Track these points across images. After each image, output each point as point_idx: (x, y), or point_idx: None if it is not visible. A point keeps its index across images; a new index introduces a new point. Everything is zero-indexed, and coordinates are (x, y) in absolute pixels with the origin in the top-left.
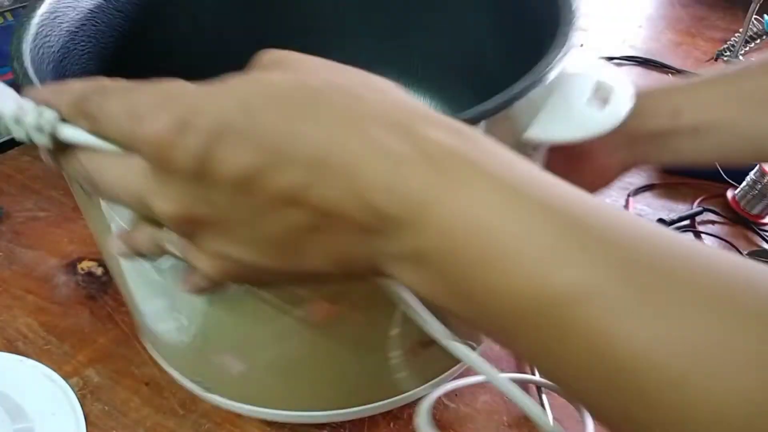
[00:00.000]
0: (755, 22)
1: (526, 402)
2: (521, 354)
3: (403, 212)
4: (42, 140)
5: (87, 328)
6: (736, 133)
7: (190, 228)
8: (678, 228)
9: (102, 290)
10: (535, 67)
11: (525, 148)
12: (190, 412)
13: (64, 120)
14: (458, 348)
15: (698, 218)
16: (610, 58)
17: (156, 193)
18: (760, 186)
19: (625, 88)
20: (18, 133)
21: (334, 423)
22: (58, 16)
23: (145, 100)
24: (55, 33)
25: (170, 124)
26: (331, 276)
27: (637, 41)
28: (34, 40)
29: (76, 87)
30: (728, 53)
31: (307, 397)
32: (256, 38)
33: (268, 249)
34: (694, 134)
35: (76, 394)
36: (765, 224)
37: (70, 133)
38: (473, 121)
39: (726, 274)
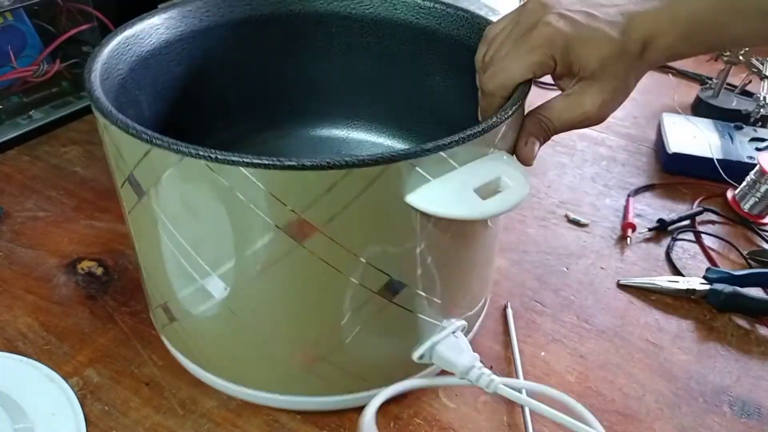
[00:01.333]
0: None
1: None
2: None
3: None
4: (485, 389)
5: (87, 328)
6: None
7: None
8: (678, 228)
9: (102, 290)
10: (430, 143)
11: (409, 211)
12: (190, 412)
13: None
14: None
15: (698, 218)
16: None
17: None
18: (759, 186)
19: (519, 193)
20: (464, 380)
21: (334, 423)
22: (159, 29)
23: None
24: (151, 37)
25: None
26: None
27: None
28: (128, 38)
29: None
30: (728, 53)
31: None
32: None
33: None
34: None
35: (76, 394)
36: (765, 224)
37: (505, 390)
38: (348, 166)
39: None
